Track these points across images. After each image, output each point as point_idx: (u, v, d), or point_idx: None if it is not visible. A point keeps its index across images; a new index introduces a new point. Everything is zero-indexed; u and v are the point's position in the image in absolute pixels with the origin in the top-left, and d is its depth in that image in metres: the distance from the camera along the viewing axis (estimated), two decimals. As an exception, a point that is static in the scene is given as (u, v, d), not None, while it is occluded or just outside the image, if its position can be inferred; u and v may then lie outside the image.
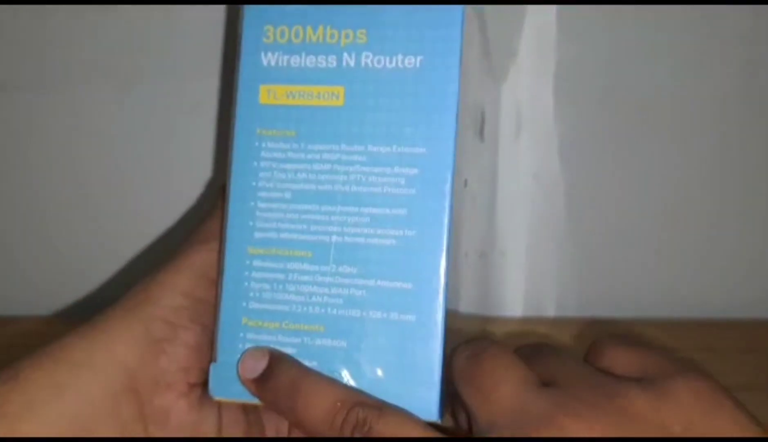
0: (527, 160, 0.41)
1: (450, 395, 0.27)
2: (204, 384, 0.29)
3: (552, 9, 0.39)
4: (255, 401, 0.28)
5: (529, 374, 0.25)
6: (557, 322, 0.43)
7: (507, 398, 0.25)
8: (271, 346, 0.28)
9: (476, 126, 0.39)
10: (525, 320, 0.44)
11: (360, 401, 0.26)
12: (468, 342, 0.27)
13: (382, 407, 0.26)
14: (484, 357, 0.26)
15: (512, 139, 0.41)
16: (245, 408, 0.30)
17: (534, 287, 0.43)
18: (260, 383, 0.28)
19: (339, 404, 0.26)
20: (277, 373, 0.27)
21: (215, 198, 0.31)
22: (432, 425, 0.26)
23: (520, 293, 0.43)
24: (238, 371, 0.28)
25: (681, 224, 0.43)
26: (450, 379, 0.27)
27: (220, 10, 0.41)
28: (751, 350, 0.41)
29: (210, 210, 0.31)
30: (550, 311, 0.44)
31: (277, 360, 0.28)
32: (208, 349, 0.29)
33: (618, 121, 0.41)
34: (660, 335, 0.42)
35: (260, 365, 0.28)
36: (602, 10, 0.40)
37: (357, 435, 0.25)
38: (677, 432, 0.23)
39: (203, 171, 0.43)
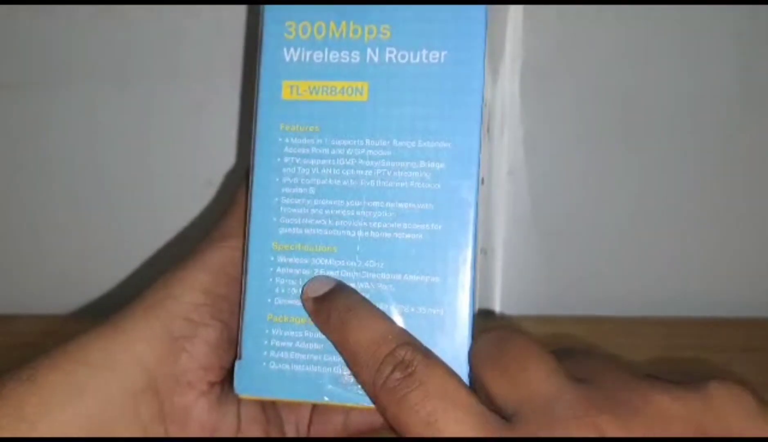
0: (505, 156, 0.42)
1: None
2: (223, 383, 0.29)
3: (537, 8, 0.40)
4: (279, 397, 0.28)
5: (560, 365, 0.24)
6: (533, 320, 0.43)
7: (535, 383, 0.23)
8: (298, 343, 0.28)
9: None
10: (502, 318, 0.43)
11: (410, 341, 0.26)
12: (491, 330, 0.26)
13: (430, 355, 0.25)
14: (511, 342, 0.25)
15: (499, 137, 0.41)
16: (264, 405, 0.30)
17: (508, 285, 0.43)
18: (318, 302, 0.27)
19: (390, 336, 0.25)
20: (337, 296, 0.27)
21: (233, 195, 0.31)
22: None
23: (497, 290, 0.44)
24: (302, 296, 0.28)
25: (677, 223, 0.43)
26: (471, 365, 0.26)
27: (222, 9, 0.41)
28: (750, 348, 0.41)
29: (228, 207, 0.31)
30: (522, 310, 0.44)
31: (342, 287, 0.28)
32: (227, 347, 0.29)
33: (613, 121, 0.42)
34: (655, 334, 0.42)
35: (325, 287, 0.27)
36: (594, 10, 0.40)
37: (397, 374, 0.24)
38: (715, 434, 0.22)
39: (206, 169, 0.43)
